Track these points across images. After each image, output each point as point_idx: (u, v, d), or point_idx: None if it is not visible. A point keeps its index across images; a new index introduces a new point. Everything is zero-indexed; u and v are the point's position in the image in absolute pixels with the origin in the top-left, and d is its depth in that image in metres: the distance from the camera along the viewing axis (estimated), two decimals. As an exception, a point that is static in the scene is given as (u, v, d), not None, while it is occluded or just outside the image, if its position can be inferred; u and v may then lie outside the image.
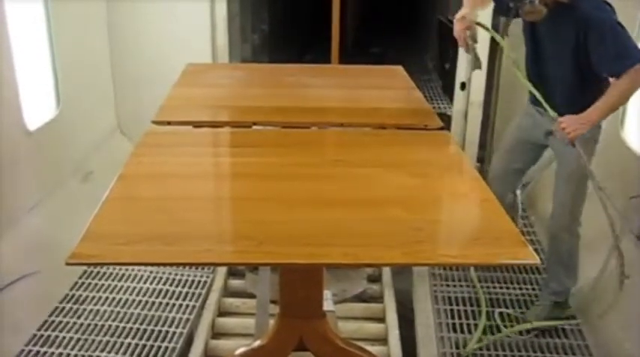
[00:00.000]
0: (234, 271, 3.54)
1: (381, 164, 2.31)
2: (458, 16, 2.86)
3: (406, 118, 2.76)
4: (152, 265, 3.13)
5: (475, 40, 2.88)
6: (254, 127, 2.70)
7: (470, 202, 2.08)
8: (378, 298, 3.35)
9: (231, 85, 3.28)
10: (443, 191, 2.19)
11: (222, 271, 3.47)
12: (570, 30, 2.63)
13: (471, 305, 3.24)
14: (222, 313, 3.27)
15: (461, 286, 3.38)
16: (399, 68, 3.57)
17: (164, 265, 3.10)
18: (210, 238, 1.79)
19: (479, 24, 2.93)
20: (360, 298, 3.35)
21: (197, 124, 2.66)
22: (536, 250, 3.72)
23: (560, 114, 2.69)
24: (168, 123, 2.63)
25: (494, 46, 4.30)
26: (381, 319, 3.17)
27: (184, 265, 2.95)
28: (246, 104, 2.94)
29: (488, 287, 3.38)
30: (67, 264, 1.63)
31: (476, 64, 3.07)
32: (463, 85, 4.42)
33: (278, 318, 2.35)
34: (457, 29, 2.85)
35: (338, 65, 3.58)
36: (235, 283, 3.47)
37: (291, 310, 2.32)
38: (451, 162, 2.40)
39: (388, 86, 3.28)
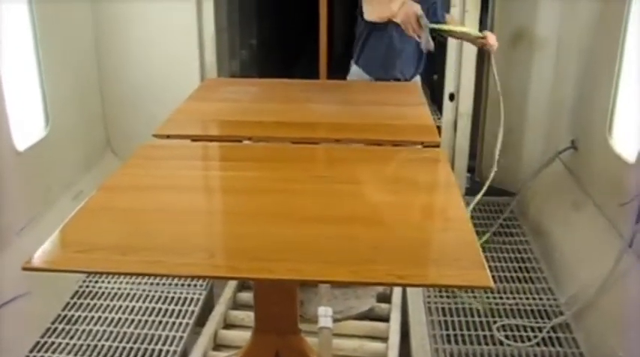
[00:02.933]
0: (245, 285, 3.50)
1: (363, 181, 2.29)
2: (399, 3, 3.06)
3: (405, 135, 2.73)
4: (102, 273, 3.11)
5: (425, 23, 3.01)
6: (246, 141, 2.71)
7: (440, 221, 2.05)
8: (386, 318, 3.27)
9: (241, 99, 3.26)
10: (416, 210, 2.11)
11: (232, 284, 3.44)
12: None
13: (465, 316, 3.24)
14: (226, 325, 3.25)
15: (455, 297, 3.37)
16: (415, 84, 3.52)
17: (113, 274, 3.12)
18: (166, 250, 1.77)
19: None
20: (368, 316, 3.30)
21: (195, 138, 2.67)
22: (525, 258, 3.76)
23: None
24: (168, 136, 2.64)
25: (481, 57, 4.35)
26: (385, 339, 3.10)
27: (132, 274, 3.02)
28: (250, 119, 2.93)
29: (489, 296, 3.38)
30: (24, 269, 1.64)
31: (428, 44, 3.07)
32: (452, 96, 4.45)
33: (253, 333, 2.35)
34: (408, 14, 3.00)
35: (354, 81, 3.57)
36: (245, 296, 3.44)
37: (266, 325, 2.31)
38: (435, 180, 2.36)
39: (397, 102, 3.22)
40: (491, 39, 3.31)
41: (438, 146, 2.61)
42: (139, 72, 4.38)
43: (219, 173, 2.46)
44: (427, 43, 3.04)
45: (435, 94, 5.42)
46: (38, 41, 3.49)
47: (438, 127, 4.49)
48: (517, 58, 4.36)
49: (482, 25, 4.33)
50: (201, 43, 4.39)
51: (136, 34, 4.33)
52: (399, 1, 3.07)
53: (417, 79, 3.60)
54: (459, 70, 4.37)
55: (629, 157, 3.08)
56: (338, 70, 4.64)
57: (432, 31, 3.17)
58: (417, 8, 2.99)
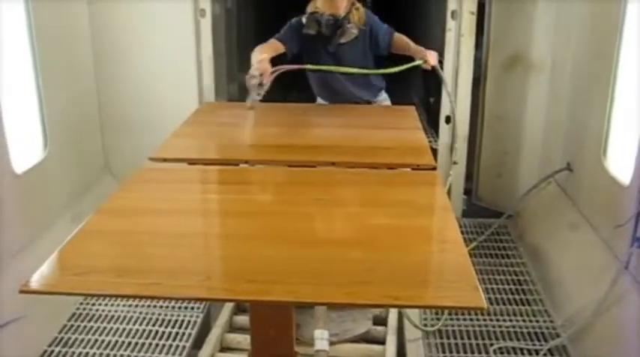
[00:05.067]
0: (242, 307, 3.48)
1: (359, 204, 2.32)
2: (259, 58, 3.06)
3: (400, 158, 2.75)
4: (99, 296, 3.13)
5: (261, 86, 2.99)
6: (242, 165, 2.73)
7: (435, 244, 2.07)
8: (382, 340, 3.25)
9: (236, 123, 3.28)
10: (411, 232, 2.11)
11: (228, 306, 3.43)
12: None
13: (462, 338, 3.24)
14: (223, 348, 3.23)
15: (452, 319, 3.37)
16: (411, 108, 3.55)
17: (110, 296, 3.13)
18: (163, 272, 1.79)
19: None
20: (364, 339, 3.28)
21: (191, 162, 2.69)
22: (521, 280, 3.76)
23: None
24: (164, 160, 2.66)
25: (476, 80, 4.39)
26: (381, 362, 3.10)
27: (128, 297, 3.04)
28: (245, 142, 2.96)
29: (485, 319, 3.38)
30: (21, 292, 1.67)
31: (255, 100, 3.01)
32: (448, 119, 4.47)
33: (249, 356, 2.36)
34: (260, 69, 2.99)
35: (350, 105, 3.58)
36: (242, 319, 3.42)
37: (262, 348, 2.31)
38: (430, 203, 2.39)
39: (393, 126, 3.25)
40: (431, 58, 3.33)
41: (434, 169, 2.63)
42: (137, 95, 4.41)
43: (215, 196, 2.48)
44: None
45: (431, 117, 5.45)
46: (38, 65, 3.52)
47: (435, 150, 4.54)
48: (512, 82, 4.40)
49: (478, 49, 4.37)
50: (199, 67, 4.42)
51: (134, 58, 4.37)
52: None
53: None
54: (455, 93, 4.40)
55: (624, 179, 3.10)
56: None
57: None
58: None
